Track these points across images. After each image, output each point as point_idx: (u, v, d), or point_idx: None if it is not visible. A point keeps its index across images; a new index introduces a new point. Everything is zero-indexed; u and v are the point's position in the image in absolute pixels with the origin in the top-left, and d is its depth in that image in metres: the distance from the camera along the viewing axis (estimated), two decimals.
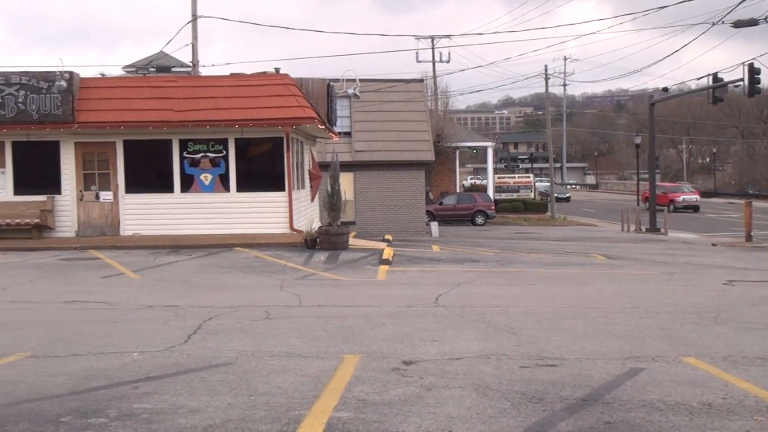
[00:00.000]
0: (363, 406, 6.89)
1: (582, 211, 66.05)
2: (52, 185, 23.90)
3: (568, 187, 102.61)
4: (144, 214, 23.92)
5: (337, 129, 30.78)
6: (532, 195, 63.33)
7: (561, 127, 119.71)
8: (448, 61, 65.09)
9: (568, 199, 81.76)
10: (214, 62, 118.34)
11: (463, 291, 14.61)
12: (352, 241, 23.95)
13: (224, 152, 23.90)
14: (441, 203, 50.33)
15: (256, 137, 24.04)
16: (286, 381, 7.76)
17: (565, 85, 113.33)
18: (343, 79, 28.27)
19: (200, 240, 22.54)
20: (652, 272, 18.89)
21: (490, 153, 60.77)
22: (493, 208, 51.42)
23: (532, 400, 7.11)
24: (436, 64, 62.60)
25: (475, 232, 42.58)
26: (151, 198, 23.95)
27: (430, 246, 26.58)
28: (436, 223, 38.54)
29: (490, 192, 57.23)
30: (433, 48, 62.64)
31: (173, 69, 35.41)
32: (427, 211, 43.06)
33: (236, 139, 23.90)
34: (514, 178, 67.92)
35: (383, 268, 18.33)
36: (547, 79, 67.16)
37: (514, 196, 62.32)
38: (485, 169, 64.36)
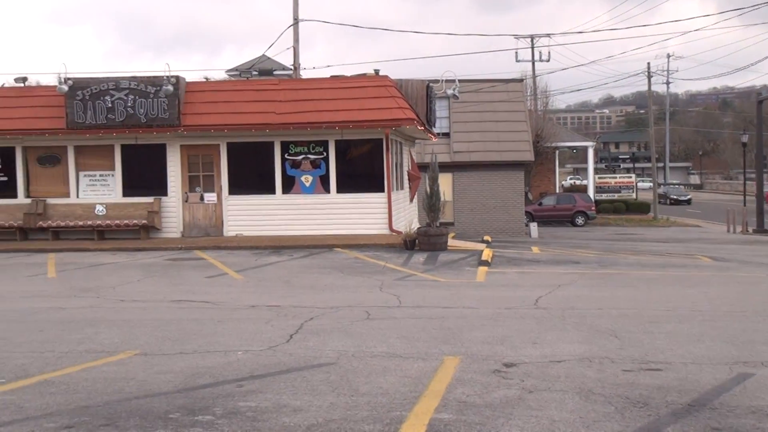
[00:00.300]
0: (464, 408, 6.89)
1: (686, 212, 64.53)
2: (159, 187, 24.58)
3: (682, 188, 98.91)
4: (246, 215, 24.38)
5: (436, 130, 30.80)
6: (633, 195, 62.14)
7: (664, 126, 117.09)
8: (548, 60, 64.42)
9: (689, 202, 79.01)
10: (315, 65, 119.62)
11: (563, 293, 14.44)
12: (451, 242, 23.90)
13: (324, 154, 24.17)
14: (540, 204, 49.85)
15: (355, 139, 24.25)
16: (386, 381, 7.82)
17: (668, 82, 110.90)
18: (442, 80, 28.27)
19: (301, 241, 22.85)
20: (760, 275, 18.33)
21: (590, 153, 59.85)
22: (593, 208, 50.69)
23: (637, 405, 6.99)
24: (536, 63, 62.07)
25: (575, 233, 42.04)
26: (253, 199, 24.40)
27: (529, 247, 26.34)
28: (535, 224, 38.21)
29: (591, 192, 56.37)
30: (532, 47, 62.12)
31: (275, 72, 35.99)
32: (526, 212, 42.72)
33: (336, 141, 24.15)
34: (615, 178, 66.77)
35: (482, 269, 18.26)
36: (649, 77, 65.82)
37: (615, 196, 61.26)
38: (585, 170, 63.42)
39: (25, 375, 8.34)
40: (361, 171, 24.62)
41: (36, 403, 7.19)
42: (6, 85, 27.47)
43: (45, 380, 8.08)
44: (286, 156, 24.28)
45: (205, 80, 29.47)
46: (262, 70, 35.77)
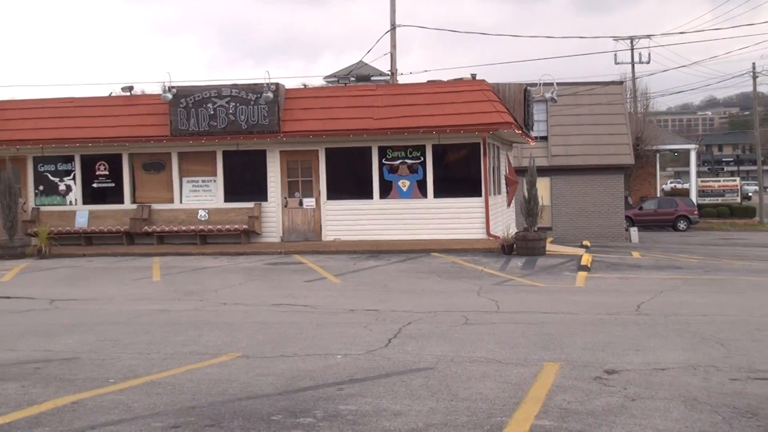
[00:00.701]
0: (565, 414, 6.81)
1: None
2: (259, 192, 24.99)
3: None
4: (344, 219, 24.59)
5: (533, 133, 30.54)
6: (738, 199, 60.39)
7: None
8: (648, 62, 63.01)
9: None
10: (412, 70, 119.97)
11: (666, 299, 14.15)
12: (549, 247, 23.66)
13: (422, 158, 24.21)
14: (641, 208, 48.92)
15: (452, 143, 24.22)
16: (486, 387, 7.78)
17: None
18: (540, 83, 28.00)
19: (398, 245, 22.92)
20: None
21: (692, 156, 58.41)
22: (696, 212, 49.46)
23: (745, 415, 6.79)
24: (636, 65, 60.86)
25: (676, 237, 41.12)
26: (351, 204, 24.59)
27: (629, 252, 25.88)
28: (635, 228, 37.53)
29: (693, 196, 55.00)
30: (632, 49, 60.94)
31: (372, 78, 36.23)
32: (626, 217, 41.98)
33: (433, 146, 24.16)
34: (719, 181, 65.00)
35: (582, 274, 18.02)
36: (755, 77, 63.82)
37: (719, 200, 59.62)
38: (687, 173, 61.98)
39: (133, 375, 8.59)
40: (458, 175, 24.57)
41: (143, 403, 7.40)
42: (113, 94, 28.35)
43: (152, 381, 8.31)
44: (383, 161, 24.40)
45: (303, 87, 29.81)
46: (359, 76, 36.04)
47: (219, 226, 24.59)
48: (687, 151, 59.86)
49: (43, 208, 25.85)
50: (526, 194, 22.76)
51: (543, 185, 33.40)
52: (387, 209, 24.33)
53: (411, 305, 13.51)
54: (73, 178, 25.98)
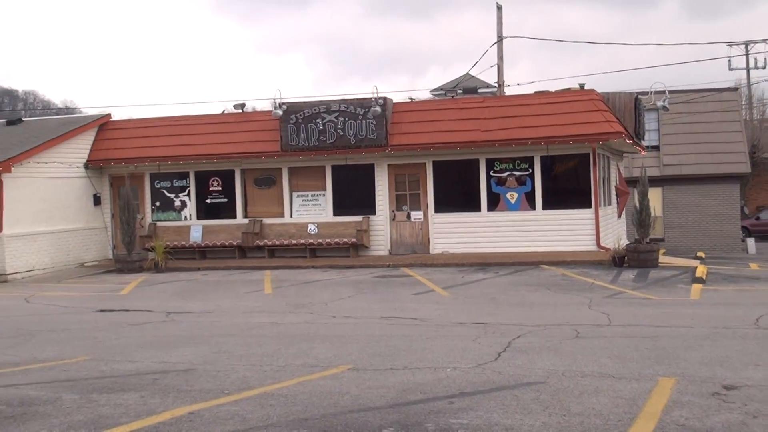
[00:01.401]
0: (682, 431, 6.64)
1: None
2: (367, 206, 25.21)
3: None
4: (452, 232, 24.58)
5: (644, 143, 29.95)
6: None
7: None
8: (764, 67, 61.11)
9: None
10: (518, 81, 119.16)
11: None
12: (662, 259, 23.13)
13: (530, 170, 24.02)
14: (758, 218, 47.30)
15: (561, 154, 23.96)
16: (599, 402, 7.66)
17: None
18: (651, 92, 27.48)
19: (506, 258, 22.77)
20: None
21: None
22: None
23: None
24: (751, 70, 59.06)
25: None
26: (458, 217, 24.56)
27: (746, 263, 25.10)
28: (752, 239, 36.31)
29: None
30: (747, 54, 59.15)
31: (479, 90, 36.18)
32: (743, 227, 40.68)
33: (542, 157, 23.95)
34: None
35: (696, 286, 17.55)
36: None
37: None
38: None
39: (247, 387, 8.77)
40: (567, 187, 24.30)
41: (257, 414, 7.55)
42: (226, 112, 29.10)
43: (265, 392, 8.46)
44: (491, 173, 24.31)
45: (410, 100, 30.00)
46: (466, 89, 36.03)
47: (328, 240, 24.88)
48: None
49: (159, 224, 26.67)
50: (637, 205, 22.31)
51: (655, 195, 32.68)
52: (495, 221, 24.22)
53: (520, 318, 13.40)
54: (188, 194, 26.73)
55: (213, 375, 9.49)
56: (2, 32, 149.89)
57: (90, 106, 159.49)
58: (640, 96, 26.70)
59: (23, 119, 29.56)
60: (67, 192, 25.71)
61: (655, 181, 34.05)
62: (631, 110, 25.52)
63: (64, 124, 27.34)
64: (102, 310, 16.32)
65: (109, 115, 28.28)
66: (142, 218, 26.57)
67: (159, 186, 27.00)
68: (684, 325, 12.35)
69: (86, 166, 26.62)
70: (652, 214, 22.30)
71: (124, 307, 16.64)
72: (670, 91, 28.72)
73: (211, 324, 14.02)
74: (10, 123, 28.37)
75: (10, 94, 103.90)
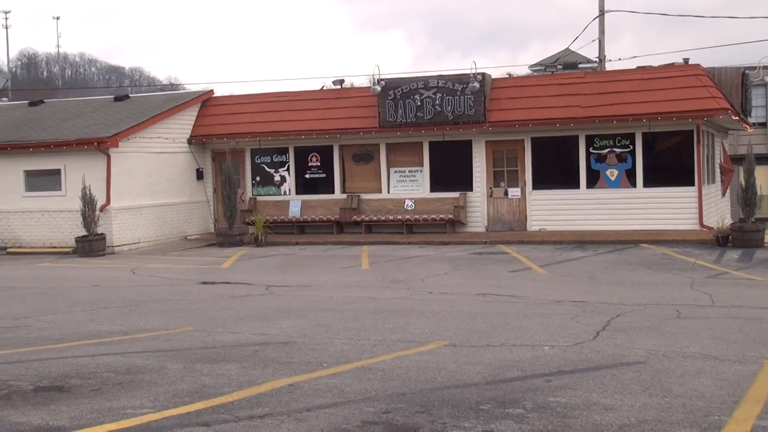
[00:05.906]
0: None
1: None
2: (464, 182, 25.14)
3: None
4: (549, 209, 24.33)
5: (751, 120, 29.05)
6: None
7: None
8: None
9: None
10: (620, 56, 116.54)
11: None
12: None
13: (631, 147, 23.57)
14: None
15: (663, 131, 23.42)
16: (701, 384, 7.52)
17: None
18: (759, 67, 26.62)
19: (605, 235, 22.44)
20: None
21: None
22: None
23: None
24: None
25: None
26: (556, 194, 24.29)
27: None
28: None
29: None
30: None
31: (579, 65, 35.55)
32: None
33: (643, 134, 23.46)
34: None
35: None
36: None
37: None
38: None
39: (345, 361, 8.89)
40: (669, 164, 23.76)
41: (355, 388, 7.65)
42: (325, 88, 29.33)
43: (362, 366, 8.56)
44: (591, 150, 23.94)
45: (508, 76, 29.69)
46: (566, 64, 35.43)
47: (425, 216, 24.92)
48: None
49: (259, 198, 27.13)
50: (743, 183, 21.69)
51: (762, 173, 31.63)
52: (594, 199, 23.88)
53: (619, 297, 13.21)
54: (287, 169, 27.09)
55: (311, 348, 9.64)
56: (110, 11, 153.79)
57: (193, 82, 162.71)
58: (747, 71, 25.87)
59: (130, 96, 30.35)
60: (171, 166, 26.36)
61: (762, 159, 32.94)
62: (737, 86, 24.76)
63: (168, 101, 27.98)
64: (204, 282, 16.72)
65: (211, 91, 28.83)
66: (242, 193, 27.05)
67: (259, 161, 27.43)
68: None
69: (189, 141, 27.23)
70: (759, 193, 21.64)
71: (225, 280, 17.01)
72: None
73: (309, 298, 14.23)
74: (117, 99, 29.17)
75: (117, 71, 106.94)
